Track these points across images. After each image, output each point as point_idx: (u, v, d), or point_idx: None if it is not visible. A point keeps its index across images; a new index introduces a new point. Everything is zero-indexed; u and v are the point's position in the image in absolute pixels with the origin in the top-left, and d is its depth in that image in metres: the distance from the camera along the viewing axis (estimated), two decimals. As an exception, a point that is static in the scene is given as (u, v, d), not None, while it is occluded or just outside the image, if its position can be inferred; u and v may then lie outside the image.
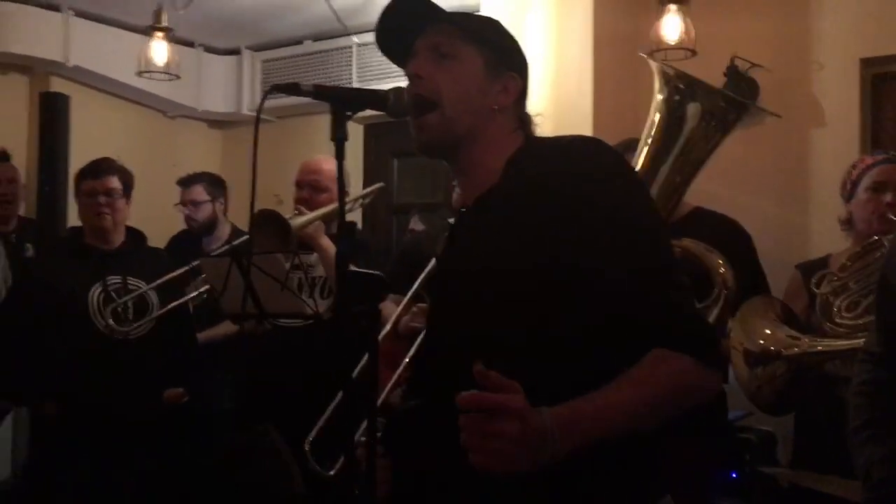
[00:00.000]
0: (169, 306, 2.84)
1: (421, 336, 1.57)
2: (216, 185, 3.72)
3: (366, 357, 1.23)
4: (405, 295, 2.17)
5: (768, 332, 2.19)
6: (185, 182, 3.73)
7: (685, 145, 2.28)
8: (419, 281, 2.14)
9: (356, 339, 1.28)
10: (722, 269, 2.19)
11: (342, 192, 1.34)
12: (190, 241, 3.69)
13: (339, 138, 1.32)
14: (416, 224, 3.63)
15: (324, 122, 1.33)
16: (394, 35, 1.41)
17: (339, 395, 1.87)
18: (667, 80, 2.28)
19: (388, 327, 2.14)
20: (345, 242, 1.31)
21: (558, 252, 1.19)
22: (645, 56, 2.48)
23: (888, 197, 2.35)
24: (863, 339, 2.05)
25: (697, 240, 2.41)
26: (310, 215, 2.54)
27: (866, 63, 3.40)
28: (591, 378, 1.15)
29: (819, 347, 2.13)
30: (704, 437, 2.45)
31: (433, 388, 1.30)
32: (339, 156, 1.33)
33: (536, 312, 1.21)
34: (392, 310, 2.33)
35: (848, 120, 3.40)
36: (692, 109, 2.26)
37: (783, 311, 2.29)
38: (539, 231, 1.22)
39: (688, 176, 2.38)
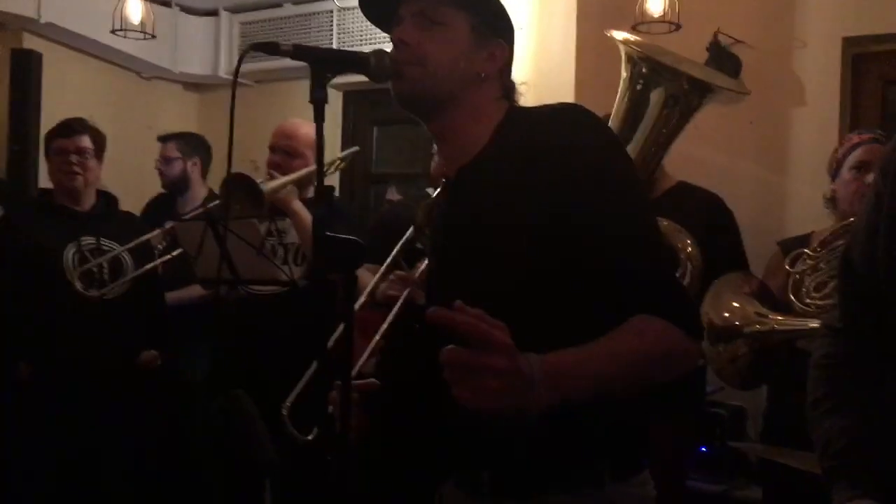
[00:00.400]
0: (145, 267, 2.81)
1: (398, 305, 1.55)
2: (191, 144, 3.69)
3: (341, 326, 1.22)
4: (381, 264, 2.15)
5: (736, 306, 2.22)
6: (162, 138, 3.74)
7: (650, 127, 2.28)
8: (397, 248, 2.12)
9: (332, 306, 1.26)
10: (689, 249, 2.21)
11: (320, 154, 1.31)
12: (165, 205, 3.64)
13: (318, 99, 1.29)
14: (393, 195, 3.61)
15: (302, 87, 1.30)
16: (378, 1, 1.38)
17: (314, 364, 1.85)
18: (632, 62, 2.27)
19: (364, 296, 2.12)
20: (322, 207, 1.29)
21: (549, 218, 1.20)
22: (610, 34, 2.46)
23: (871, 177, 2.35)
24: (821, 322, 2.09)
25: (679, 213, 2.42)
26: (282, 179, 2.50)
27: (848, 42, 3.40)
28: (581, 339, 1.14)
29: (781, 327, 2.15)
30: (683, 411, 2.48)
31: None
32: (319, 118, 1.30)
33: (531, 273, 1.22)
34: (368, 279, 2.32)
35: (828, 98, 3.41)
36: (655, 95, 2.26)
37: (758, 287, 2.30)
38: (530, 196, 1.22)
39: (655, 155, 2.38)
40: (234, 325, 2.79)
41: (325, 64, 1.30)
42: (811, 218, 2.66)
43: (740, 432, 3.03)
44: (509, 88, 1.38)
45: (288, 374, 2.08)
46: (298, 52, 1.29)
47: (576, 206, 1.19)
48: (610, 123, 2.37)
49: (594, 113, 1.29)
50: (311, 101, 1.29)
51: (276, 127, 2.81)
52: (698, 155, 2.93)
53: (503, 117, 1.34)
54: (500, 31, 1.38)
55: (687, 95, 2.27)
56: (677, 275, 2.21)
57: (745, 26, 3.47)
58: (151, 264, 2.84)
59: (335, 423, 1.20)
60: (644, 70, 2.25)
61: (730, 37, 3.47)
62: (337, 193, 4.41)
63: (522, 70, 3.52)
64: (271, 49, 1.30)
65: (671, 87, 2.24)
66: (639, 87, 2.27)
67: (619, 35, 2.34)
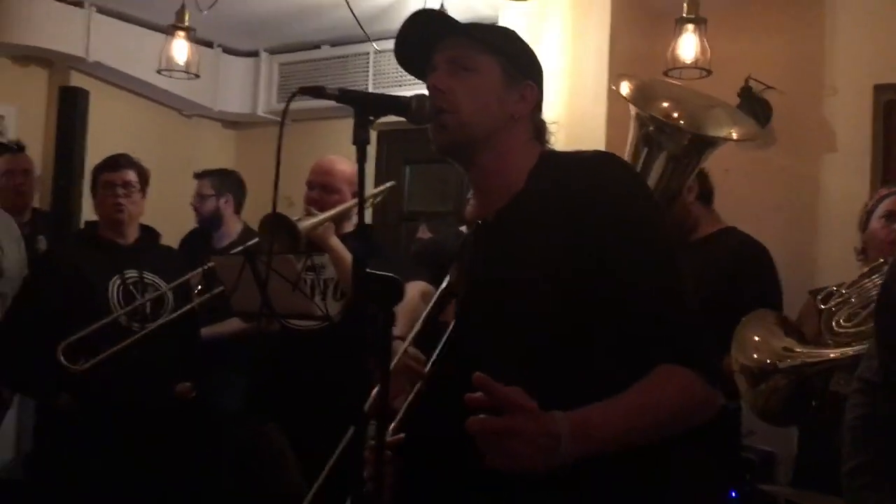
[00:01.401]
0: (185, 308, 2.87)
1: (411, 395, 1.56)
2: (224, 181, 3.75)
3: (377, 389, 1.25)
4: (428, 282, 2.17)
5: (760, 341, 2.23)
6: (197, 175, 3.82)
7: (659, 178, 2.31)
8: (436, 296, 2.13)
9: (369, 347, 1.30)
10: None
11: (362, 195, 1.36)
12: (201, 239, 3.72)
13: (361, 141, 1.34)
14: (424, 233, 3.65)
15: (339, 126, 1.36)
16: (413, 48, 1.44)
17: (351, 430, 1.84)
18: (641, 123, 2.31)
19: (409, 340, 2.11)
20: (361, 245, 1.33)
21: (582, 265, 1.23)
22: (615, 88, 2.50)
23: None
24: (859, 348, 2.07)
25: (720, 256, 2.44)
26: (319, 217, 2.55)
27: (879, 89, 3.42)
28: (605, 388, 1.17)
29: (813, 359, 2.16)
30: (717, 454, 2.47)
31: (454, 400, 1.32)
32: (361, 159, 1.35)
33: (559, 323, 1.25)
34: (418, 289, 2.31)
35: (859, 146, 3.41)
36: (660, 158, 2.29)
37: (779, 320, 2.32)
38: (561, 243, 1.25)
39: (666, 207, 2.40)
40: (270, 360, 2.83)
41: (368, 107, 1.36)
42: (842, 268, 2.66)
43: (770, 477, 3.00)
44: (540, 129, 1.42)
45: (320, 409, 2.10)
46: (344, 96, 1.35)
47: (605, 255, 1.22)
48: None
49: (626, 161, 1.33)
50: (355, 143, 1.34)
51: (314, 164, 2.86)
52: (728, 201, 2.95)
53: (537, 160, 1.37)
54: (530, 72, 1.42)
55: (687, 154, 2.30)
56: None
57: (776, 72, 3.51)
58: (190, 305, 2.89)
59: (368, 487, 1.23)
60: (650, 128, 2.30)
61: (760, 82, 3.51)
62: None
63: (555, 112, 3.57)
64: (318, 93, 1.36)
65: (672, 146, 2.28)
66: (645, 142, 2.32)
67: (624, 86, 2.39)
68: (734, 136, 2.38)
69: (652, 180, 2.30)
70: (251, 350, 3.07)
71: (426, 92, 1.41)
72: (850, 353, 2.12)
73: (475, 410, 1.08)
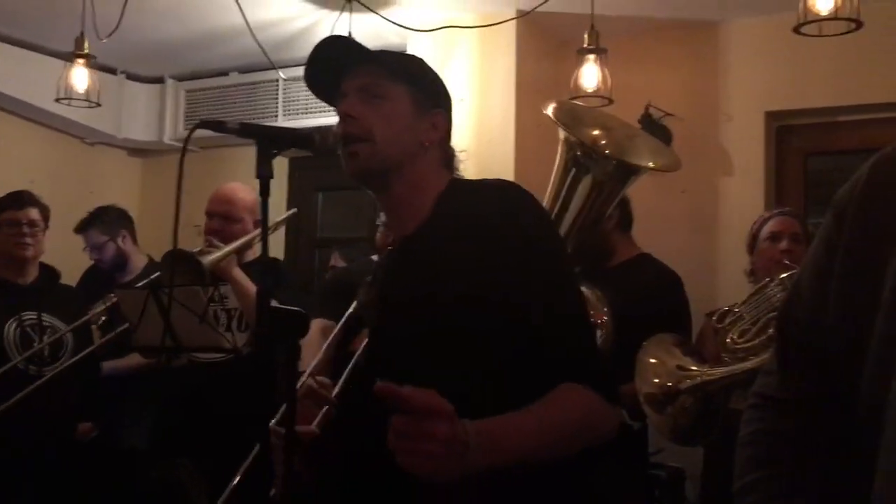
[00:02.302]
0: (84, 352, 2.78)
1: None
2: (111, 221, 3.56)
3: (283, 408, 1.24)
4: (335, 319, 2.16)
5: (658, 367, 2.30)
6: (80, 229, 3.57)
7: (583, 202, 2.38)
8: (342, 321, 2.13)
9: (276, 380, 1.29)
10: (602, 319, 2.29)
11: (265, 231, 1.35)
12: (103, 274, 3.60)
13: (264, 176, 1.33)
14: (338, 261, 3.63)
15: (247, 153, 1.35)
16: (323, 75, 1.44)
17: (257, 447, 1.83)
18: (569, 146, 2.38)
19: (310, 368, 2.10)
20: (267, 279, 1.32)
21: (483, 290, 1.26)
22: (549, 114, 2.58)
23: (783, 244, 2.55)
24: (755, 361, 2.15)
25: (636, 283, 2.51)
26: (223, 251, 2.50)
27: (771, 116, 3.60)
28: (507, 406, 1.19)
29: (713, 375, 2.25)
30: (627, 472, 2.53)
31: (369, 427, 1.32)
32: (264, 193, 1.34)
33: (460, 346, 1.27)
34: (317, 335, 2.31)
35: (754, 169, 3.59)
36: (590, 174, 2.36)
37: (676, 342, 2.40)
38: (466, 269, 1.28)
39: (589, 228, 2.46)
40: (178, 394, 2.76)
41: (270, 141, 1.35)
42: (741, 289, 2.77)
43: (679, 493, 3.08)
44: (450, 157, 1.45)
45: (231, 442, 2.06)
46: (245, 129, 1.34)
47: (508, 280, 1.26)
48: (548, 190, 2.45)
49: (529, 191, 1.36)
50: (258, 178, 1.34)
51: (213, 192, 2.78)
52: (634, 227, 3.04)
53: (445, 188, 1.40)
54: (440, 100, 1.45)
55: (613, 180, 2.37)
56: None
57: (674, 100, 3.65)
58: (89, 349, 2.80)
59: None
60: (577, 152, 2.36)
61: (660, 109, 3.65)
62: (281, 257, 4.44)
63: (464, 140, 3.62)
64: (218, 127, 1.35)
65: (598, 172, 2.35)
66: (572, 172, 2.38)
67: (551, 108, 2.45)
68: (657, 165, 2.46)
69: (576, 203, 2.36)
70: (159, 385, 2.98)
71: (336, 119, 1.42)
72: (747, 367, 2.22)
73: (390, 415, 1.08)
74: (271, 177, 1.34)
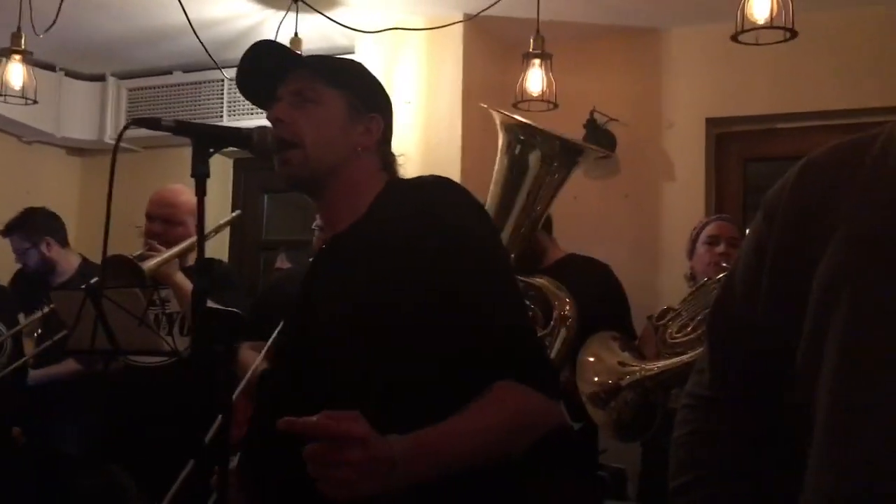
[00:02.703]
0: (17, 362, 2.69)
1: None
2: (36, 227, 3.41)
3: (219, 419, 1.22)
4: (263, 339, 2.13)
5: (597, 364, 2.33)
6: (4, 233, 3.44)
7: (530, 187, 2.41)
8: (278, 331, 2.11)
9: (213, 381, 1.27)
10: (567, 310, 2.31)
11: (202, 231, 1.33)
12: (34, 276, 3.48)
13: (200, 175, 1.32)
14: (283, 262, 3.60)
15: (189, 154, 1.32)
16: (256, 80, 1.43)
17: (191, 463, 1.80)
18: (508, 130, 2.41)
19: (244, 382, 2.07)
20: (203, 281, 1.30)
21: (414, 286, 1.24)
22: (485, 106, 2.61)
23: (721, 248, 2.62)
24: (693, 354, 2.19)
25: (570, 281, 2.55)
26: (164, 255, 2.45)
27: (711, 122, 3.68)
28: (443, 408, 1.18)
29: (652, 370, 2.28)
30: (578, 473, 2.55)
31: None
32: (200, 193, 1.32)
33: (393, 345, 1.25)
34: (251, 357, 2.28)
35: (694, 174, 3.65)
36: (533, 157, 2.39)
37: (614, 338, 2.44)
38: (397, 265, 1.27)
39: (537, 216, 2.51)
40: (115, 399, 2.70)
41: (207, 139, 1.33)
42: (682, 293, 2.82)
43: (622, 494, 3.12)
44: (389, 160, 1.44)
45: (168, 448, 2.02)
46: (180, 127, 1.33)
47: (441, 275, 1.24)
48: (492, 188, 2.47)
49: (463, 186, 1.36)
50: (193, 176, 1.32)
51: (153, 195, 2.72)
52: (576, 228, 3.08)
53: (382, 189, 1.39)
54: (376, 105, 1.44)
55: (560, 156, 2.41)
56: (550, 334, 2.30)
57: (619, 106, 3.71)
58: (23, 359, 2.72)
59: None
60: (521, 136, 2.38)
61: (604, 115, 3.70)
62: (226, 260, 4.38)
63: (410, 142, 3.62)
64: (153, 124, 1.33)
65: (546, 148, 2.39)
66: (517, 151, 2.41)
67: (495, 111, 2.49)
68: (598, 152, 2.51)
69: (529, 180, 2.39)
70: (95, 389, 2.91)
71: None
72: (684, 360, 2.26)
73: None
74: (207, 176, 1.33)
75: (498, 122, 2.45)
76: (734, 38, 2.57)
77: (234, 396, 1.49)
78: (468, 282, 1.25)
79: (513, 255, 2.42)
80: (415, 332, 1.24)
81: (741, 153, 3.74)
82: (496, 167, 2.45)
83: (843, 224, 0.91)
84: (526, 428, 1.23)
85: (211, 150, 1.34)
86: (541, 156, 2.39)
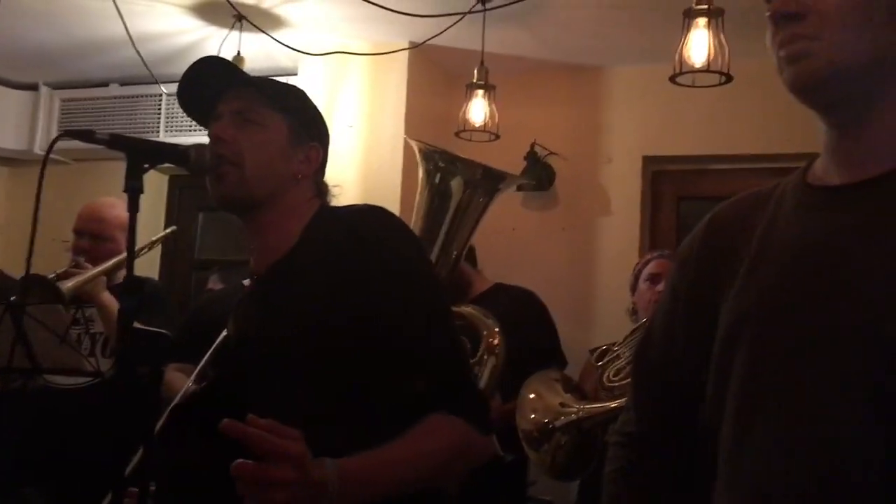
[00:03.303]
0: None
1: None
2: None
3: (140, 451, 1.18)
4: (190, 362, 2.07)
5: (537, 402, 2.34)
6: None
7: (454, 214, 2.42)
8: (211, 351, 2.06)
9: (138, 403, 1.23)
10: (495, 340, 2.31)
11: (132, 248, 1.30)
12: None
13: (133, 190, 1.28)
14: (215, 283, 3.53)
15: (122, 167, 1.29)
16: (197, 94, 1.41)
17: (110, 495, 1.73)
18: (428, 158, 2.42)
19: (178, 399, 2.02)
20: (129, 300, 1.26)
21: (347, 317, 1.23)
22: (405, 137, 2.61)
23: (661, 286, 2.65)
24: (623, 400, 2.23)
25: (497, 312, 2.55)
26: (89, 273, 2.37)
27: (647, 160, 3.76)
28: (376, 439, 1.17)
29: (587, 413, 2.30)
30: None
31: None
32: (133, 209, 1.29)
33: (326, 377, 1.23)
34: (180, 380, 2.22)
35: (630, 211, 3.72)
36: (455, 183, 2.41)
37: (559, 377, 2.45)
38: (330, 295, 1.25)
39: (462, 242, 2.51)
40: (33, 419, 2.58)
41: (142, 155, 1.30)
42: (616, 326, 2.87)
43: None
44: (322, 190, 1.43)
45: (88, 472, 1.95)
46: (114, 141, 1.29)
47: (373, 305, 1.23)
48: (414, 216, 2.47)
49: (395, 215, 1.35)
50: (126, 192, 1.28)
51: (81, 209, 2.64)
52: (514, 259, 3.10)
53: (313, 216, 1.37)
54: (316, 133, 1.43)
55: (482, 182, 2.43)
56: (478, 363, 2.30)
57: (559, 139, 3.76)
58: None
59: None
60: (440, 164, 2.40)
61: (545, 148, 3.75)
62: (157, 278, 4.27)
63: (352, 166, 3.61)
64: (86, 137, 1.29)
65: (467, 174, 2.40)
66: (437, 179, 2.42)
67: (413, 141, 2.51)
68: (519, 178, 2.53)
69: (454, 204, 2.39)
70: (9, 410, 2.78)
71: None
72: (620, 403, 2.28)
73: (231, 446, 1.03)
74: (141, 192, 1.30)
75: (417, 150, 2.46)
76: (672, 80, 2.63)
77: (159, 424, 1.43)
78: (402, 314, 1.24)
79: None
80: (348, 364, 1.22)
81: (675, 191, 3.83)
82: (418, 197, 2.45)
83: (744, 271, 0.99)
84: (457, 460, 1.22)
85: (146, 165, 1.31)
86: (462, 182, 2.41)
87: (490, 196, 2.44)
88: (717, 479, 0.97)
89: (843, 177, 0.93)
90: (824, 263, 0.90)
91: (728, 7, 2.53)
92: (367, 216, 1.32)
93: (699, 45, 2.54)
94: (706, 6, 2.55)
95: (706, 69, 2.55)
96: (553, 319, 2.90)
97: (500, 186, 2.48)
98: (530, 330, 2.71)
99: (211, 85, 1.38)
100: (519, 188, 3.52)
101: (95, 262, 2.45)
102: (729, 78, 2.56)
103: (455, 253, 2.46)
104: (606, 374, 2.43)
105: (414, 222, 2.44)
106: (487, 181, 2.42)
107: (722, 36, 2.54)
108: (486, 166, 2.43)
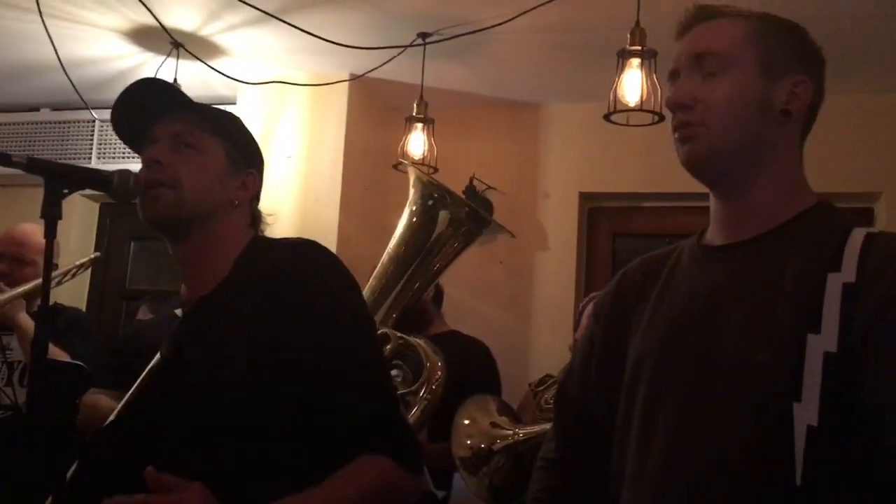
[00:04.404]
0: None
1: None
2: None
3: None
4: (114, 388, 2.01)
5: (471, 427, 2.32)
6: None
7: (433, 246, 2.41)
8: (140, 379, 1.99)
9: (52, 435, 1.18)
10: (437, 374, 2.29)
11: (48, 275, 1.26)
12: None
13: (50, 216, 1.25)
14: (145, 314, 3.44)
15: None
16: (132, 117, 1.37)
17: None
18: (422, 185, 2.42)
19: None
20: (44, 329, 1.21)
21: (274, 354, 1.20)
22: (404, 162, 2.61)
23: None
24: None
25: (449, 356, 2.53)
26: (6, 295, 2.31)
27: (584, 196, 3.81)
28: (304, 481, 1.13)
29: (524, 435, 2.29)
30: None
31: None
32: (50, 234, 1.26)
33: (252, 414, 1.20)
34: (108, 404, 2.16)
35: (567, 246, 3.76)
36: (442, 215, 2.41)
37: (493, 401, 2.44)
38: (258, 330, 1.22)
39: (429, 278, 2.50)
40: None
41: (61, 179, 1.26)
42: (553, 358, 2.88)
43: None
44: (256, 218, 1.41)
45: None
46: (32, 165, 1.25)
47: (297, 345, 1.20)
48: (394, 241, 2.45)
49: (327, 250, 1.32)
50: (43, 217, 1.24)
51: (2, 232, 2.62)
52: (454, 291, 3.10)
53: (246, 246, 1.34)
54: (253, 161, 1.41)
55: (468, 222, 2.43)
56: (415, 393, 2.27)
57: (498, 174, 3.79)
58: None
59: None
60: (434, 193, 2.40)
61: (483, 182, 3.77)
62: (84, 309, 4.14)
63: (290, 196, 3.57)
64: (3, 160, 1.25)
65: (455, 212, 2.40)
66: (430, 203, 2.41)
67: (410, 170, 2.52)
68: (500, 227, 2.55)
69: (436, 232, 2.38)
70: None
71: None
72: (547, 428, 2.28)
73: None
74: (59, 217, 1.26)
75: (412, 177, 2.47)
76: (606, 118, 2.68)
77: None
78: (330, 354, 1.21)
79: (398, 310, 2.40)
80: (274, 403, 1.19)
81: (610, 227, 3.89)
82: (403, 220, 2.44)
83: (646, 317, 1.19)
84: (385, 501, 1.19)
85: (65, 190, 1.27)
86: (449, 218, 2.41)
87: (470, 238, 2.44)
88: (623, 481, 1.14)
89: (725, 238, 1.16)
90: (707, 306, 1.11)
91: (661, 49, 2.59)
92: (297, 250, 1.29)
93: (632, 84, 2.60)
94: (639, 47, 2.61)
95: (639, 108, 2.60)
96: (500, 377, 2.87)
97: (483, 231, 2.48)
98: (476, 382, 2.69)
99: (148, 108, 1.35)
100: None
101: (15, 287, 2.38)
102: (661, 117, 2.62)
103: (423, 283, 2.45)
104: (545, 398, 2.44)
105: (393, 244, 2.42)
106: (473, 224, 2.42)
107: (654, 77, 2.60)
108: (473, 208, 2.45)
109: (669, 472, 1.07)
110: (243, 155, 1.39)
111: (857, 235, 1.06)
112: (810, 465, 0.96)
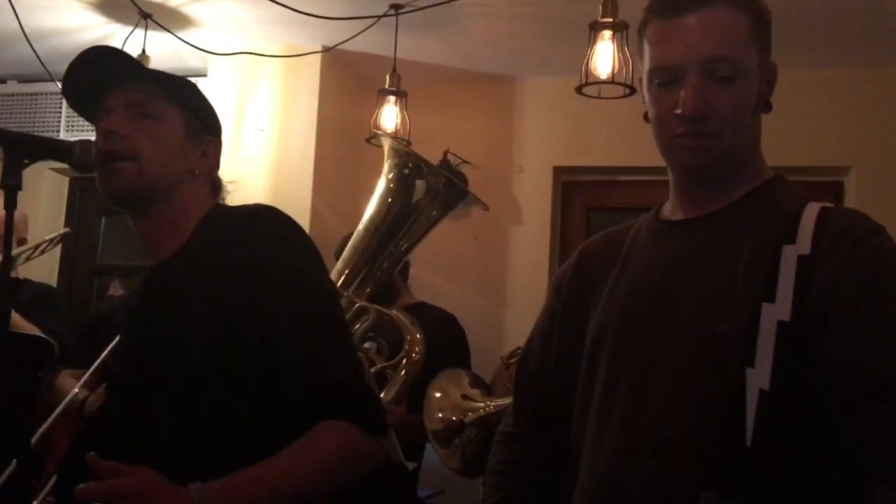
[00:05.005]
0: None
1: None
2: None
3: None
4: (86, 369, 1.99)
5: (443, 400, 2.33)
6: None
7: (410, 214, 2.40)
8: (103, 356, 1.98)
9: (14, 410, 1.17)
10: (416, 345, 2.29)
11: (9, 248, 1.24)
12: None
13: (11, 186, 1.22)
14: (116, 289, 3.41)
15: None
16: (86, 86, 1.35)
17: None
18: (397, 154, 2.40)
19: (63, 404, 1.93)
20: (4, 303, 1.19)
21: (229, 321, 1.19)
22: (379, 133, 2.58)
23: None
24: None
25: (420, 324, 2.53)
26: None
27: (557, 170, 3.81)
28: (265, 450, 1.13)
29: (495, 408, 2.31)
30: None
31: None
32: (10, 206, 1.23)
33: (210, 384, 1.19)
34: (70, 384, 2.14)
35: (541, 220, 3.77)
36: (419, 185, 2.39)
37: (465, 374, 2.45)
38: (212, 297, 1.21)
39: (404, 248, 2.49)
40: None
41: (21, 149, 1.24)
42: (527, 334, 2.88)
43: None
44: (217, 186, 1.39)
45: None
46: (-9, 135, 1.23)
47: (258, 310, 1.19)
48: (375, 198, 2.43)
49: (286, 216, 1.29)
50: (2, 188, 1.22)
51: None
52: (427, 266, 3.10)
53: (206, 214, 1.33)
54: (212, 129, 1.39)
55: (444, 192, 2.42)
56: (394, 367, 2.27)
57: (472, 148, 3.78)
58: None
59: None
60: (410, 163, 2.38)
61: (458, 156, 3.76)
62: (55, 283, 4.10)
63: (262, 169, 3.54)
64: (-42, 129, 1.22)
65: (432, 181, 2.39)
66: (406, 171, 2.39)
67: (386, 139, 2.50)
68: (479, 197, 2.53)
69: (414, 200, 2.36)
70: None
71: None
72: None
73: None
74: (19, 188, 1.24)
75: (387, 148, 2.44)
76: (578, 90, 2.67)
77: (40, 431, 1.36)
78: (285, 321, 1.19)
79: (374, 282, 2.39)
80: (232, 372, 1.18)
81: (584, 202, 3.90)
82: (379, 190, 2.42)
83: (607, 289, 1.22)
84: (344, 466, 1.18)
85: (25, 161, 1.25)
86: (426, 187, 2.40)
87: (446, 208, 2.42)
88: (581, 452, 1.19)
89: (685, 213, 1.20)
90: (667, 278, 1.15)
91: (633, 21, 2.58)
92: (254, 216, 1.27)
93: (604, 57, 2.59)
94: (611, 19, 2.60)
95: (611, 81, 2.60)
96: (468, 346, 2.88)
97: (459, 204, 2.46)
98: (444, 352, 2.69)
99: (102, 76, 1.32)
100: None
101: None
102: (633, 90, 2.62)
103: (397, 255, 2.43)
104: (512, 374, 2.45)
105: (369, 214, 2.40)
106: (450, 195, 2.41)
107: (626, 49, 2.60)
108: (449, 178, 2.42)
109: (626, 434, 1.12)
110: (202, 123, 1.37)
111: (812, 209, 1.09)
112: (760, 428, 0.99)
